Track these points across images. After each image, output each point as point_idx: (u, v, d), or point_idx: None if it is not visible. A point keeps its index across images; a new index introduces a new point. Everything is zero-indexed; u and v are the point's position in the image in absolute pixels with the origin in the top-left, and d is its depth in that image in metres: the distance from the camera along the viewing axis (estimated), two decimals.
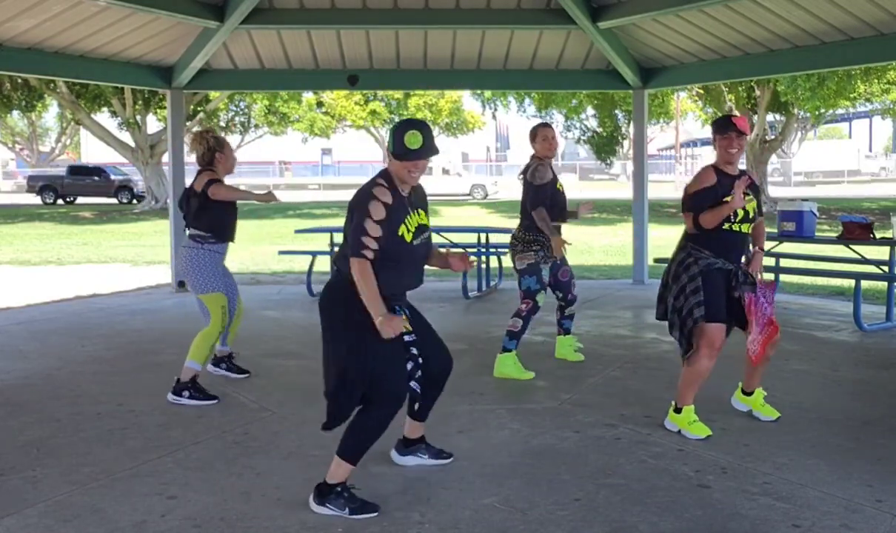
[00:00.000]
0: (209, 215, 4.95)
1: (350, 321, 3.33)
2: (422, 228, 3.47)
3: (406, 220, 3.39)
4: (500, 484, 3.58)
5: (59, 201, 31.74)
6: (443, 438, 4.16)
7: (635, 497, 3.42)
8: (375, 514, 3.32)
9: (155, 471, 3.77)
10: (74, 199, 32.14)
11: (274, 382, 5.31)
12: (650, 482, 3.58)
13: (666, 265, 4.44)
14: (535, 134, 5.56)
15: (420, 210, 3.50)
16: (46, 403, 4.86)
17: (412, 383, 3.47)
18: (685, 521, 3.20)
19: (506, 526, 3.17)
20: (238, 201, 5.11)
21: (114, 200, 31.40)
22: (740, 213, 4.25)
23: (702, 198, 4.22)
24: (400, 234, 3.36)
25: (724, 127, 4.23)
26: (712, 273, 4.18)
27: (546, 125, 5.72)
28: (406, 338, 3.45)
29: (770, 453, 3.91)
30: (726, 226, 4.22)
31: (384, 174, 3.43)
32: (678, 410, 4.29)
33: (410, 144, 3.31)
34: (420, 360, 3.49)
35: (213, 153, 5.01)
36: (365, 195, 3.34)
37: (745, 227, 4.29)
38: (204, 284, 4.94)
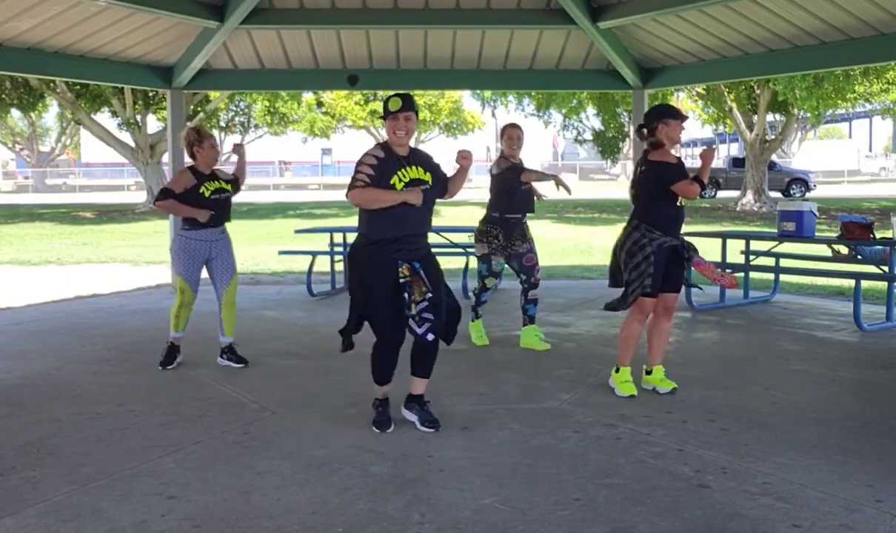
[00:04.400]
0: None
1: (362, 279, 4.15)
2: (416, 181, 4.11)
3: (399, 173, 4.08)
4: (500, 484, 3.58)
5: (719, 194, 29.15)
6: (443, 437, 4.17)
7: (635, 497, 3.42)
8: (378, 430, 4.24)
9: (155, 471, 3.76)
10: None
11: (274, 382, 5.31)
12: (650, 482, 3.58)
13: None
14: (501, 133, 6.09)
15: (418, 166, 4.15)
16: (46, 403, 4.86)
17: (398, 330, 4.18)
18: (685, 521, 3.20)
19: (506, 526, 3.17)
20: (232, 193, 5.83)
21: (780, 195, 27.50)
22: None
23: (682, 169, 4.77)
24: (392, 183, 4.06)
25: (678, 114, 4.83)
26: (661, 251, 4.75)
27: (511, 126, 6.13)
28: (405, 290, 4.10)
29: (770, 453, 3.91)
30: (679, 203, 4.81)
31: (381, 143, 4.23)
32: (617, 370, 4.97)
33: (392, 107, 4.07)
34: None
35: (192, 148, 5.55)
36: (362, 155, 4.15)
37: (683, 201, 4.85)
38: (173, 265, 5.74)
